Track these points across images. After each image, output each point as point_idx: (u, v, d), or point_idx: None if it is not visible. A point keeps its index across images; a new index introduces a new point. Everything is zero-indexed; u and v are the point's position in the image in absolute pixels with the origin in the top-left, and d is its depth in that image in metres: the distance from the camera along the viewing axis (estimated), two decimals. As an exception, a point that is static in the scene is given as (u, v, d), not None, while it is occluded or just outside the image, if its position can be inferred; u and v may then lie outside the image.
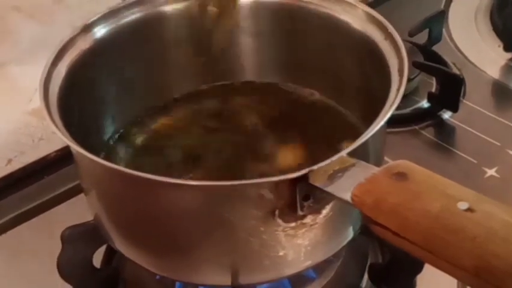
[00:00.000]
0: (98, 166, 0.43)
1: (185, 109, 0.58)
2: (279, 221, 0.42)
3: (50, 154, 0.70)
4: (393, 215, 0.36)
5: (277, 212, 0.41)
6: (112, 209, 0.48)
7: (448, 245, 0.34)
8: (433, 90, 0.73)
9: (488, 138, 0.69)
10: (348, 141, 0.41)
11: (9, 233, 0.64)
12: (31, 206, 0.66)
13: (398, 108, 0.43)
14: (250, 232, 0.42)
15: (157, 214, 0.44)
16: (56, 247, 0.53)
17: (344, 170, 0.40)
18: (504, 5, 0.83)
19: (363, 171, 0.39)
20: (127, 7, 0.54)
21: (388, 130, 0.50)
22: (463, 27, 0.84)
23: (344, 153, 0.40)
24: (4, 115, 0.67)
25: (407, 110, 0.72)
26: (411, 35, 0.75)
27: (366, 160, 0.41)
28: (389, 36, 0.49)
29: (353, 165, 0.40)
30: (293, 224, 0.42)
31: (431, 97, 0.72)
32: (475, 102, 0.73)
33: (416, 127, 0.71)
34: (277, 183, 0.40)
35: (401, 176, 0.37)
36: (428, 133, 0.71)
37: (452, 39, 0.82)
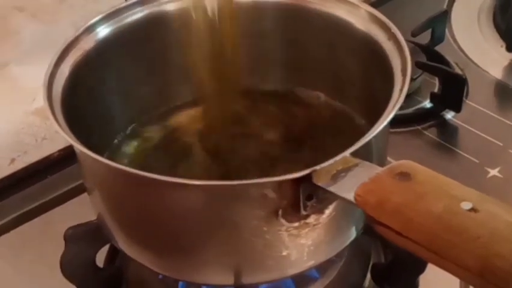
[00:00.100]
0: (101, 166, 0.43)
1: (188, 109, 0.59)
2: (282, 220, 0.42)
3: (53, 154, 0.70)
4: (396, 215, 0.36)
5: (280, 212, 0.41)
6: (115, 208, 0.48)
7: (452, 245, 0.34)
8: (436, 90, 0.73)
9: (490, 139, 0.69)
10: (351, 141, 0.41)
11: (12, 232, 0.64)
12: (34, 205, 0.66)
13: (400, 108, 0.43)
14: (253, 232, 0.42)
15: (160, 214, 0.44)
16: (59, 246, 0.53)
17: (347, 169, 0.40)
18: (507, 6, 0.83)
19: (367, 171, 0.39)
20: (130, 7, 0.54)
21: (391, 130, 0.50)
22: (466, 28, 0.84)
23: (347, 153, 0.40)
24: (7, 115, 0.67)
25: (410, 110, 0.72)
26: (414, 35, 0.75)
27: (369, 160, 0.41)
28: (392, 36, 0.49)
29: (356, 165, 0.40)
30: (296, 224, 0.42)
31: (433, 97, 0.72)
32: (478, 102, 0.73)
33: (419, 127, 0.71)
34: (280, 183, 0.40)
35: (405, 176, 0.37)
36: (431, 133, 0.71)
37: (455, 40, 0.82)
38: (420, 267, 0.53)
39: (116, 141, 0.56)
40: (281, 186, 0.40)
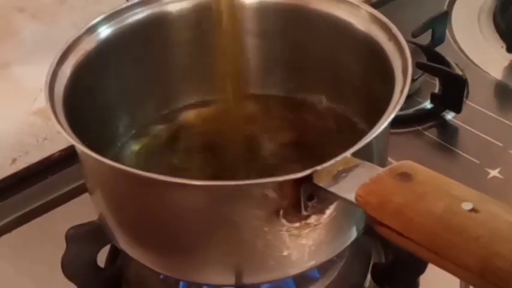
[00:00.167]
0: (103, 166, 0.43)
1: (189, 110, 0.59)
2: (283, 221, 0.42)
3: (54, 154, 0.70)
4: (397, 216, 0.36)
5: (281, 212, 0.41)
6: (116, 208, 0.48)
7: (452, 245, 0.34)
8: (436, 91, 0.73)
9: (491, 139, 0.69)
10: (352, 141, 0.41)
11: (14, 232, 0.64)
12: (35, 205, 0.66)
13: (401, 109, 0.43)
14: (254, 232, 0.43)
15: (162, 214, 0.44)
16: (60, 246, 0.53)
17: (348, 170, 0.40)
18: (507, 6, 0.83)
19: (368, 172, 0.39)
20: (131, 8, 0.54)
21: (391, 131, 0.50)
22: (466, 28, 0.84)
23: (348, 153, 0.40)
24: (8, 115, 0.67)
25: (410, 111, 0.72)
26: (414, 35, 0.75)
27: (370, 160, 0.41)
28: (393, 37, 0.49)
29: (357, 165, 0.40)
30: (297, 224, 0.42)
31: (434, 98, 0.72)
32: (478, 103, 0.73)
33: (419, 128, 0.71)
34: (281, 183, 0.40)
35: (405, 176, 0.37)
36: (431, 134, 0.71)
37: (455, 40, 0.82)
38: (421, 268, 0.53)
39: (117, 141, 0.56)
40: (282, 187, 0.40)
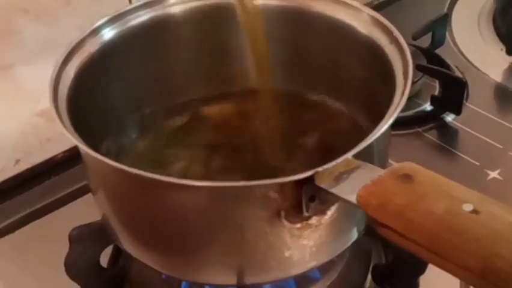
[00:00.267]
0: (106, 167, 0.43)
1: (193, 112, 0.59)
2: (285, 222, 0.42)
3: (57, 155, 0.70)
4: (398, 217, 0.36)
5: (283, 213, 0.42)
6: (119, 209, 0.48)
7: (453, 246, 0.34)
8: (436, 93, 0.73)
9: (490, 141, 0.69)
10: (353, 143, 0.41)
11: (17, 232, 0.64)
12: (39, 206, 0.66)
13: (401, 111, 0.43)
14: (256, 233, 0.43)
15: (164, 214, 0.45)
16: (63, 247, 0.53)
17: (349, 171, 0.40)
18: (507, 9, 0.83)
19: (369, 173, 0.39)
20: (135, 10, 0.54)
21: (391, 132, 0.50)
22: (466, 31, 0.84)
23: (349, 155, 0.40)
24: (11, 116, 0.67)
25: (410, 113, 0.72)
26: (414, 38, 0.75)
27: (371, 162, 0.41)
28: (394, 40, 0.49)
29: (358, 167, 0.40)
30: (299, 225, 0.43)
31: (434, 100, 0.73)
32: (478, 105, 0.73)
33: (419, 129, 0.71)
34: (283, 184, 0.40)
35: (406, 177, 0.37)
36: (431, 135, 0.71)
37: (455, 43, 0.82)
38: (421, 268, 0.53)
39: (120, 142, 0.56)
40: (284, 188, 0.41)
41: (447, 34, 0.80)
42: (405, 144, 0.70)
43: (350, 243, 0.48)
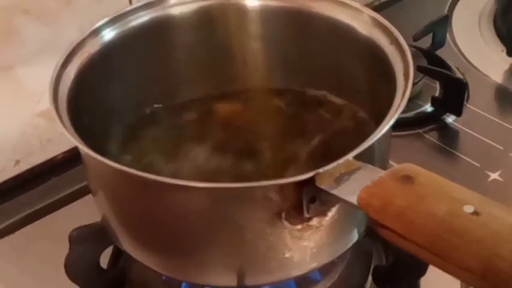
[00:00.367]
0: (106, 167, 0.43)
1: (193, 113, 0.59)
2: (286, 223, 0.42)
3: (57, 156, 0.70)
4: (399, 218, 0.36)
5: (283, 214, 0.42)
6: (119, 210, 0.48)
7: (454, 247, 0.34)
8: (437, 94, 0.73)
9: (491, 142, 0.69)
10: (354, 144, 0.41)
11: (17, 233, 0.64)
12: (39, 206, 0.66)
13: (401, 112, 0.43)
14: (256, 234, 0.43)
15: (164, 215, 0.44)
16: (63, 248, 0.53)
17: (350, 172, 0.40)
18: (507, 10, 0.84)
19: (370, 174, 0.39)
20: (135, 11, 0.54)
21: (392, 133, 0.50)
22: (467, 32, 0.84)
23: (350, 156, 0.40)
24: (11, 117, 0.67)
25: (411, 114, 0.72)
26: (415, 39, 0.75)
27: (372, 163, 0.41)
28: (394, 40, 0.49)
29: (359, 168, 0.40)
30: (299, 226, 0.43)
31: (434, 101, 0.73)
32: (479, 106, 0.73)
33: (420, 131, 0.72)
34: (283, 185, 0.40)
35: (408, 179, 0.37)
36: (432, 137, 0.71)
37: (455, 44, 0.82)
38: (422, 270, 0.53)
39: (120, 143, 0.56)
40: (284, 189, 0.41)
41: (447, 35, 0.81)
42: (405, 146, 0.70)
43: (350, 244, 0.48)
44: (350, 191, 0.39)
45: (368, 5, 0.63)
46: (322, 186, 0.40)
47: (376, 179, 0.38)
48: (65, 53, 0.50)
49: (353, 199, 0.38)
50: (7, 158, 0.68)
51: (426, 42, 0.77)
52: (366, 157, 0.41)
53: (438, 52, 0.78)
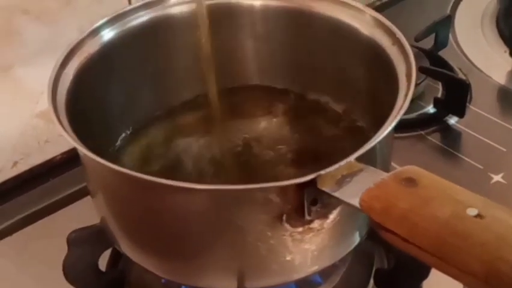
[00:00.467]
0: (105, 169, 0.43)
1: (193, 113, 0.59)
2: (287, 225, 0.42)
3: (55, 157, 0.70)
4: (402, 221, 0.36)
5: (284, 217, 0.41)
6: (118, 212, 0.48)
7: (457, 250, 0.34)
8: (439, 95, 0.73)
9: (494, 144, 0.69)
10: (356, 146, 0.41)
11: (15, 235, 0.64)
12: (37, 208, 0.66)
13: (404, 113, 0.43)
14: (257, 236, 0.42)
15: (164, 218, 0.44)
16: (62, 250, 0.53)
17: (352, 175, 0.39)
18: (510, 11, 0.83)
19: (372, 177, 0.39)
20: (135, 10, 0.54)
21: (394, 135, 0.50)
22: (469, 33, 0.84)
23: (352, 158, 0.40)
24: (10, 117, 0.67)
25: (413, 115, 0.72)
26: (417, 40, 0.75)
27: (374, 165, 0.41)
28: (396, 41, 0.49)
29: (361, 170, 0.40)
30: (300, 229, 0.42)
31: (437, 102, 0.72)
32: (481, 107, 0.73)
33: (422, 132, 0.71)
34: (285, 187, 0.40)
35: (410, 181, 0.37)
36: (434, 138, 0.71)
37: (458, 45, 0.82)
38: (424, 273, 0.53)
39: (120, 144, 0.56)
40: (286, 191, 0.40)
41: (450, 36, 0.80)
42: (408, 147, 0.69)
43: (352, 247, 0.48)
44: (352, 194, 0.38)
45: (369, 5, 0.63)
46: (323, 189, 0.39)
47: (378, 181, 0.38)
48: (64, 53, 0.50)
49: (355, 202, 0.38)
50: (5, 159, 0.68)
51: (428, 42, 0.77)
52: (369, 159, 0.41)
53: (441, 53, 0.78)
